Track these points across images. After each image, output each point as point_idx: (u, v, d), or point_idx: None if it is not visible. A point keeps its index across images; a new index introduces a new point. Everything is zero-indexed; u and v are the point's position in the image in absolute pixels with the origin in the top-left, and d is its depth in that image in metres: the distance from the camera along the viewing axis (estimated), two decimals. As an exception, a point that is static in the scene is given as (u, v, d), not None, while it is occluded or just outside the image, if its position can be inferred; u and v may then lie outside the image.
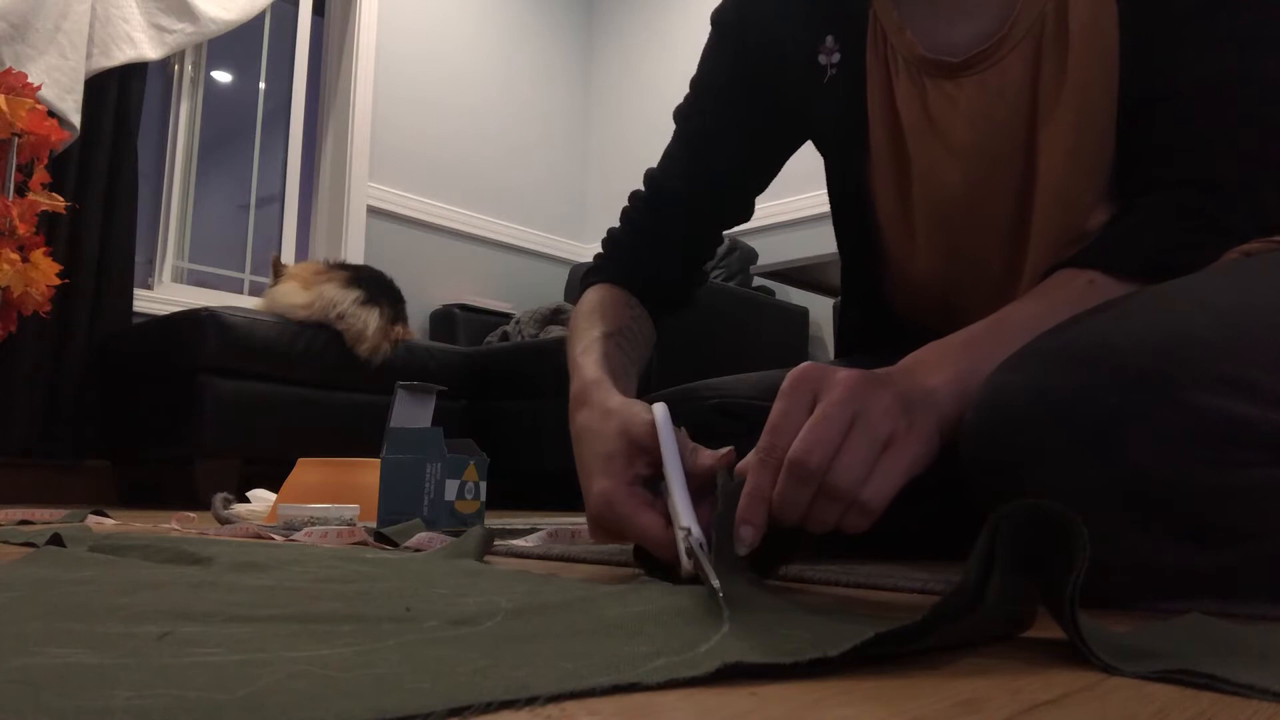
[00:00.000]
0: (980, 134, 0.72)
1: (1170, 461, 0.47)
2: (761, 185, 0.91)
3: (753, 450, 0.51)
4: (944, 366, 0.56)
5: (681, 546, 0.52)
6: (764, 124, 0.87)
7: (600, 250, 0.90)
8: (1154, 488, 0.48)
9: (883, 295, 0.87)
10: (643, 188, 0.90)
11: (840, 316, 0.96)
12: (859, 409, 0.49)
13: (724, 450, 0.55)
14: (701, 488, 0.55)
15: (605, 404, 0.63)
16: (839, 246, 0.91)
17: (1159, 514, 0.48)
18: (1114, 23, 0.65)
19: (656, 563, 0.58)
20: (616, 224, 0.91)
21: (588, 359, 0.72)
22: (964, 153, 0.73)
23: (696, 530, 0.51)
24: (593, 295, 0.84)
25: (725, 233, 0.93)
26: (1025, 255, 0.73)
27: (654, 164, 0.90)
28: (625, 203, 0.91)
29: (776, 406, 0.50)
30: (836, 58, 0.78)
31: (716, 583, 0.44)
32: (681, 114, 0.90)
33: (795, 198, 3.16)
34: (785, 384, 0.51)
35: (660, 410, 0.59)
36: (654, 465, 0.58)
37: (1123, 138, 0.67)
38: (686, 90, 0.90)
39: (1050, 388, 0.51)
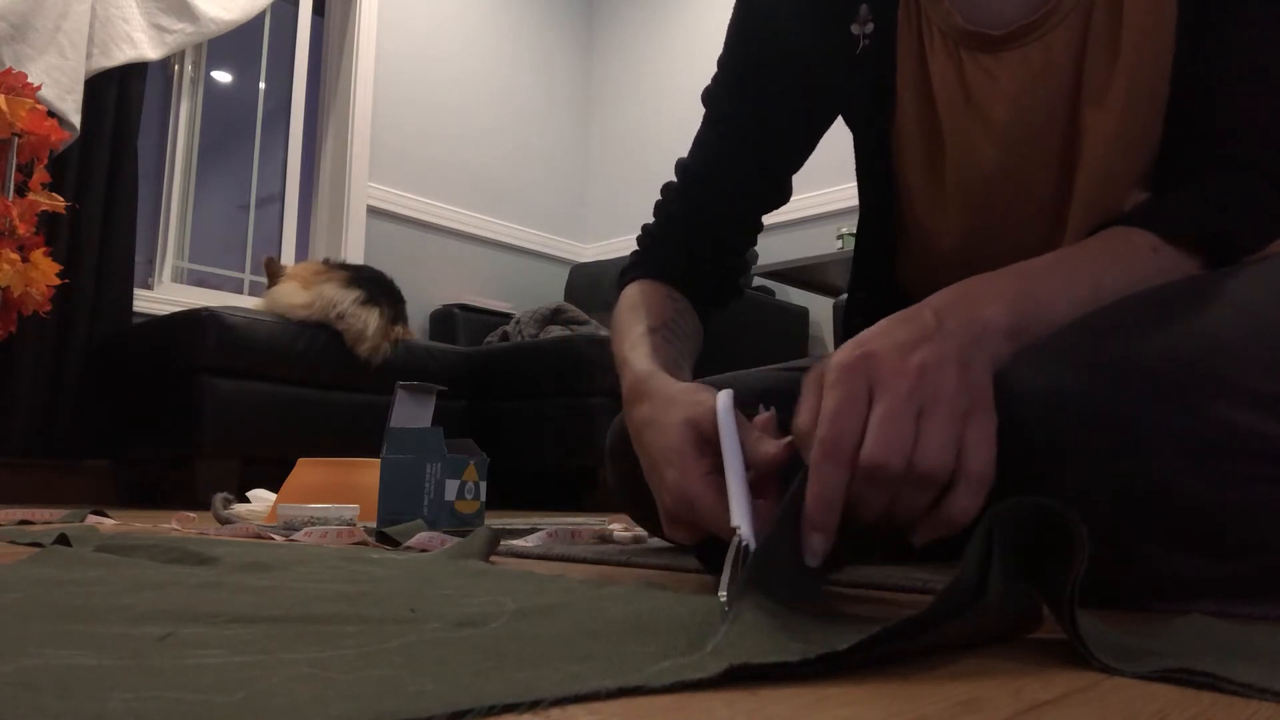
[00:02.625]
0: (1021, 111, 0.69)
1: (1191, 475, 0.46)
2: (797, 164, 0.88)
3: (811, 424, 0.46)
4: (998, 297, 0.52)
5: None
6: (795, 99, 0.83)
7: (636, 247, 0.87)
8: (1171, 500, 0.47)
9: (896, 275, 0.84)
10: (674, 178, 0.87)
11: (848, 298, 0.93)
12: (927, 397, 0.44)
13: (786, 440, 0.51)
14: (764, 478, 0.52)
15: (666, 392, 0.60)
16: (859, 221, 0.88)
17: (1173, 526, 0.47)
18: None
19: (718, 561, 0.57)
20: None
21: (637, 353, 0.68)
22: (1002, 130, 0.70)
23: (746, 531, 0.47)
24: (632, 291, 0.81)
25: None
26: (1062, 236, 0.71)
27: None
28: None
29: (831, 395, 0.45)
30: (870, 28, 0.74)
31: (724, 595, 0.43)
32: (710, 95, 0.86)
33: (795, 198, 3.16)
34: (835, 374, 0.46)
35: (724, 399, 0.55)
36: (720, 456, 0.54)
37: (1172, 117, 0.64)
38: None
39: (1071, 389, 0.49)
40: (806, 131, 0.87)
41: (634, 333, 0.73)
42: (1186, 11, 0.62)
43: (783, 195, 0.89)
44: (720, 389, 0.57)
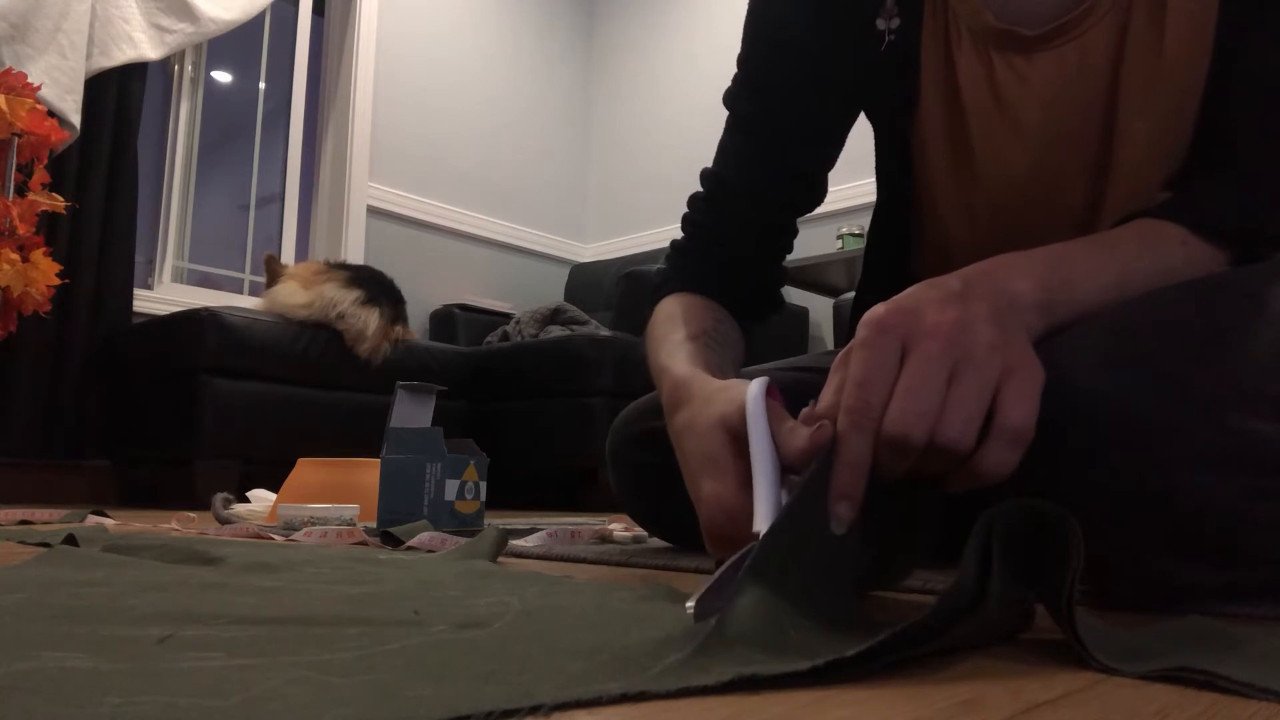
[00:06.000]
0: (1053, 115, 0.66)
1: (1206, 485, 0.45)
2: (829, 160, 0.84)
3: (837, 405, 0.43)
4: (1029, 273, 0.50)
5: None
6: (815, 96, 0.80)
7: (664, 265, 0.84)
8: (1183, 508, 0.46)
9: (912, 275, 0.82)
10: (700, 188, 0.84)
11: (855, 300, 0.91)
12: (960, 356, 0.42)
13: (818, 425, 0.47)
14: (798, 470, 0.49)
15: (704, 393, 0.56)
16: (873, 219, 0.86)
17: (1182, 533, 0.46)
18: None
19: None
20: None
21: (675, 360, 0.65)
22: (1033, 135, 0.68)
23: None
24: (668, 305, 0.77)
25: None
26: None
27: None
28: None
29: (860, 357, 0.43)
30: (896, 23, 0.71)
31: (691, 605, 0.41)
32: (732, 97, 0.83)
33: (795, 196, 3.15)
34: (865, 332, 0.44)
35: (755, 388, 0.51)
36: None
37: (1203, 114, 0.62)
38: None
39: (1088, 387, 0.48)
40: (831, 128, 0.83)
41: (672, 340, 0.69)
42: (1228, 13, 0.60)
43: (816, 196, 0.85)
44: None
